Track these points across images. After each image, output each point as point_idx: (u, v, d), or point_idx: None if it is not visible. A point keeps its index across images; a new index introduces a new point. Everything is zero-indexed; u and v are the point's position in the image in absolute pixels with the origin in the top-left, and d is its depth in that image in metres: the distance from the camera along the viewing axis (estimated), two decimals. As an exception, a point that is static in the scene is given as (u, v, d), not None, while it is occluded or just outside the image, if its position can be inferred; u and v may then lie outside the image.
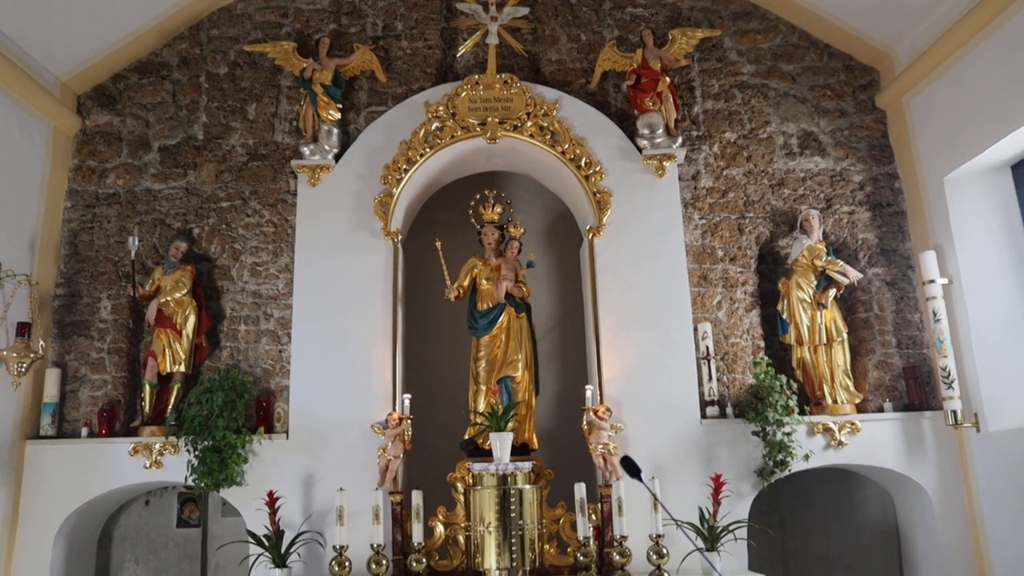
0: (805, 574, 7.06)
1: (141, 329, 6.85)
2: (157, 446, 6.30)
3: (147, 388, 6.53)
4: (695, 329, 6.50)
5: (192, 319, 6.63)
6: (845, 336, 6.62)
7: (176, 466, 6.25)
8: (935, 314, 6.31)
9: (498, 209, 6.77)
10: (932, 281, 6.36)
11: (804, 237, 6.74)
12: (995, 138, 5.93)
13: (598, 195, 6.68)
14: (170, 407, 6.50)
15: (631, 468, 2.84)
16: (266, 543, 5.77)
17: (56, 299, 6.74)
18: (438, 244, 6.56)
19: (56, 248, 6.82)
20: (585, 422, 6.14)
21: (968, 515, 6.28)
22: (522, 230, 6.76)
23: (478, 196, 6.82)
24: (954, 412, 6.16)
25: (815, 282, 6.67)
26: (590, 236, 6.66)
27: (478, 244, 6.79)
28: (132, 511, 7.14)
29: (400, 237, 6.69)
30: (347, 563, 5.63)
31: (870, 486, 7.05)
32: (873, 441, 6.38)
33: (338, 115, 6.95)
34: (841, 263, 6.66)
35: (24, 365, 6.10)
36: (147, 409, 6.50)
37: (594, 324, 6.46)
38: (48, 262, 6.72)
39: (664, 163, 6.76)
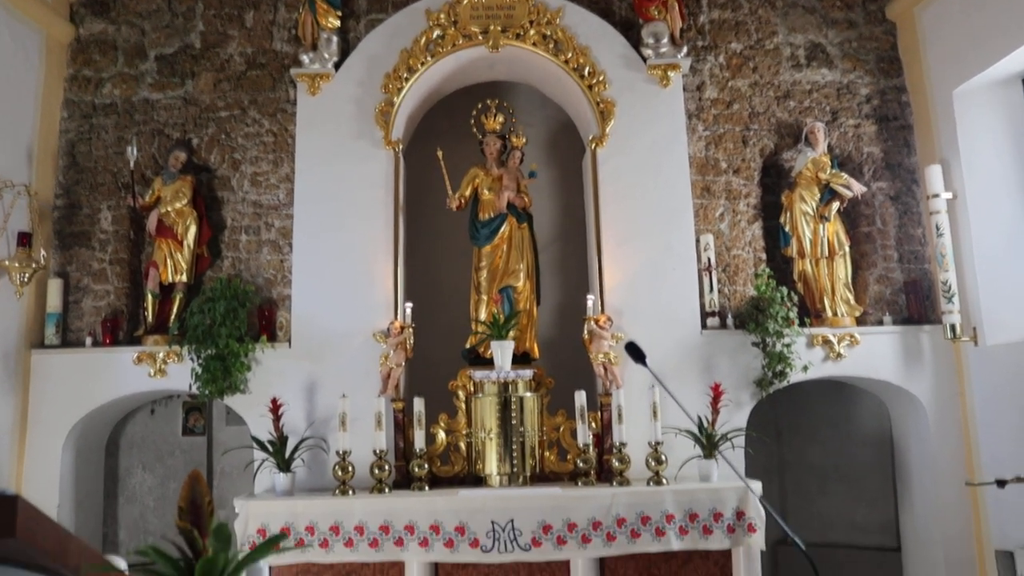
0: (800, 483, 7.19)
1: (142, 239, 6.84)
2: (161, 354, 6.35)
3: (149, 298, 6.55)
4: (697, 240, 6.48)
5: (193, 229, 6.61)
6: (847, 250, 6.62)
7: (180, 374, 6.30)
8: (938, 228, 6.29)
9: (500, 118, 6.69)
10: (936, 195, 6.32)
11: (809, 150, 6.68)
12: (1007, 50, 5.83)
13: (601, 105, 6.59)
14: (173, 316, 6.53)
15: (636, 353, 2.83)
16: (270, 448, 5.85)
17: (56, 210, 6.71)
18: (439, 153, 6.50)
19: (54, 158, 6.76)
20: (586, 331, 6.17)
21: (962, 426, 6.36)
22: (524, 140, 6.69)
23: (480, 105, 6.73)
24: (953, 326, 6.19)
25: (818, 195, 6.64)
26: (593, 146, 6.60)
27: (480, 154, 6.72)
28: (138, 420, 7.24)
29: (401, 146, 6.62)
30: (350, 467, 5.73)
31: (866, 398, 7.12)
32: (871, 354, 6.42)
33: (338, 23, 6.80)
34: (845, 176, 6.61)
35: (27, 275, 6.12)
36: (150, 319, 6.53)
37: (596, 234, 6.45)
38: (46, 172, 6.67)
39: (668, 73, 6.65)
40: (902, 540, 6.84)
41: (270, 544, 1.96)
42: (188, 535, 1.84)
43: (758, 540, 5.43)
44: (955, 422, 6.37)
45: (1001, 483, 3.56)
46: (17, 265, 6.07)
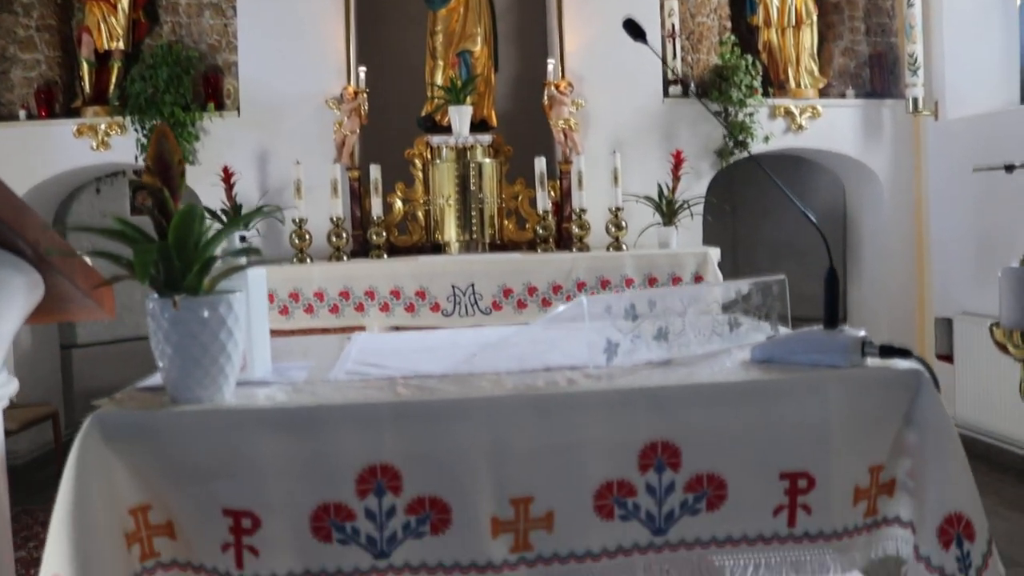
0: (752, 259, 7.32)
1: (71, 4, 6.35)
2: (103, 126, 6.06)
3: (85, 66, 6.16)
4: (661, 6, 6.21)
5: (127, -9, 6.17)
6: (814, 19, 6.43)
7: (124, 147, 6.04)
8: (909, -1, 6.13)
9: None
10: (912, -36, 6.12)
11: (782, -89, 6.37)
12: None
13: None
14: (112, 86, 6.19)
15: (634, 30, 2.69)
16: (224, 218, 5.72)
17: (-31, -30, 6.18)
18: (391, -94, 6.06)
19: (-39, -91, 6.16)
20: (546, 97, 5.99)
21: (915, 199, 6.48)
22: None
23: None
24: (915, 99, 6.15)
25: (789, -41, 6.39)
26: (555, -99, 6.18)
27: (434, -90, 6.27)
28: (84, 199, 7.01)
29: None
30: (307, 235, 5.65)
31: (823, 176, 7.16)
32: (832, 126, 6.39)
33: None
34: (818, -62, 6.35)
35: (-55, 40, 5.71)
36: (87, 89, 6.18)
37: (556, -5, 6.14)
38: (-48, -76, 6.10)
39: None
40: (848, 313, 7.08)
41: (257, 213, 1.87)
42: (157, 194, 1.71)
43: (714, 302, 5.54)
44: (908, 194, 6.47)
45: (1009, 168, 3.64)
46: (-66, 28, 5.65)
